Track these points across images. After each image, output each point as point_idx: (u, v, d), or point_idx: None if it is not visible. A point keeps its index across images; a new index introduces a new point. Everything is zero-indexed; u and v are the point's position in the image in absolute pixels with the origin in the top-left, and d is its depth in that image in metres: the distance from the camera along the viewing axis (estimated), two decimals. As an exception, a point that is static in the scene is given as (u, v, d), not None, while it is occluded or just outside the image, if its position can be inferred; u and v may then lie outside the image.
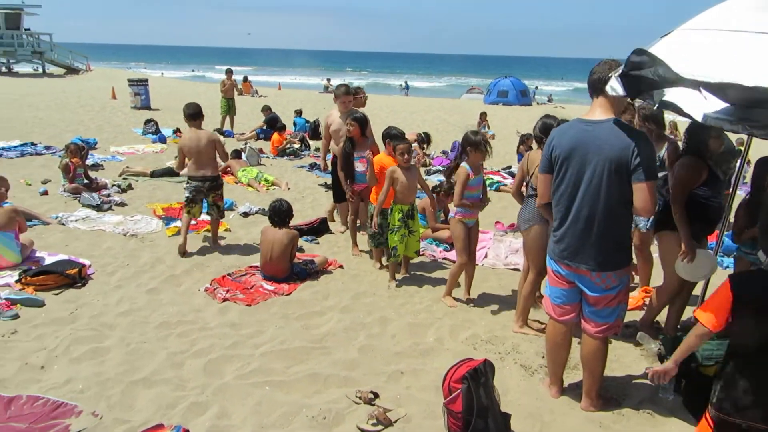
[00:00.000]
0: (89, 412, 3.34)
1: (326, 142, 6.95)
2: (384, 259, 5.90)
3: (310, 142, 13.54)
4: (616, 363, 4.11)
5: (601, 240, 3.16)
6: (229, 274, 5.51)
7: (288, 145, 12.53)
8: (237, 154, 10.69)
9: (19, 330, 4.31)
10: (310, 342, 4.32)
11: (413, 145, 7.04)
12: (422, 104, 28.89)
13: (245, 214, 7.64)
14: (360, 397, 3.56)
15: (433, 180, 10.03)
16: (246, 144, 12.14)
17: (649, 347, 4.24)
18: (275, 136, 12.53)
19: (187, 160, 6.10)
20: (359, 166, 6.07)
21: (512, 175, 10.71)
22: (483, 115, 17.61)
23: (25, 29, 35.34)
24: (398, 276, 5.70)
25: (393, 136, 5.59)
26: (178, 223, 6.88)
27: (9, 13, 34.01)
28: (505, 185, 9.85)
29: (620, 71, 2.85)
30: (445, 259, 6.32)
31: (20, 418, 3.27)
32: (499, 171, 11.07)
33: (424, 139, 11.90)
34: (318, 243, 6.70)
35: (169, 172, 9.59)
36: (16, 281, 5.08)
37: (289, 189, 9.27)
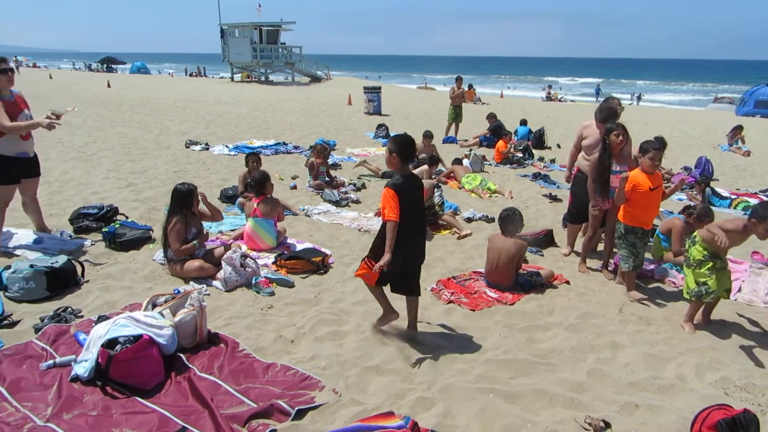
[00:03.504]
0: (330, 389, 3.65)
1: (576, 152, 6.46)
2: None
3: (534, 152, 13.28)
4: None
5: None
6: (453, 277, 5.62)
7: (511, 153, 12.42)
8: (458, 161, 10.92)
9: (275, 306, 4.91)
10: (535, 356, 4.20)
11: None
12: (656, 114, 26.50)
13: (468, 220, 7.74)
14: (590, 424, 3.35)
15: (673, 200, 9.07)
16: (471, 150, 12.32)
17: None
18: (500, 143, 12.50)
19: None
20: (614, 181, 5.55)
21: (772, 198, 9.22)
22: (737, 129, 15.47)
23: (281, 43, 40.56)
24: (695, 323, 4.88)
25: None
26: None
27: (270, 30, 39.44)
28: (764, 210, 8.49)
29: None
30: (686, 286, 5.65)
31: (275, 383, 3.72)
32: (756, 193, 9.60)
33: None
34: (542, 255, 6.50)
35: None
36: (272, 263, 5.82)
37: (512, 198, 9.17)
